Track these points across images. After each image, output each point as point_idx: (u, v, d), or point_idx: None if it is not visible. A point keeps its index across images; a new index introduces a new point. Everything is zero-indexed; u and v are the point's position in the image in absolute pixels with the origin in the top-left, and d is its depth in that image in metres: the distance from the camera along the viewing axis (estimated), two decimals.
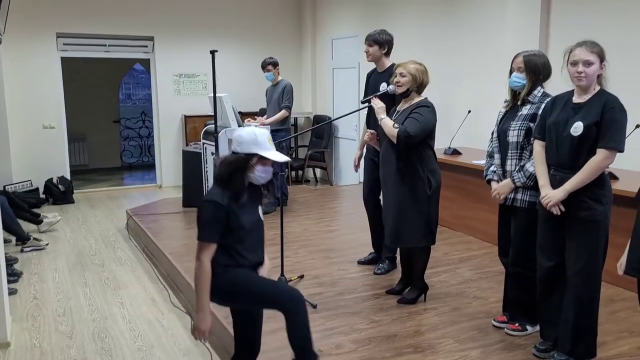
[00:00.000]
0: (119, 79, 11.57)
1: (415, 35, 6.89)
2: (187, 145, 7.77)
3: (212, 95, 5.85)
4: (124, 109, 12.14)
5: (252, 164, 2.35)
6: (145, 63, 9.48)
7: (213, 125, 5.86)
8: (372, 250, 4.49)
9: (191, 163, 6.42)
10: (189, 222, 5.78)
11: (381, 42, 4.15)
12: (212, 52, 5.64)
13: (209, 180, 6.01)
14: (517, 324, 3.23)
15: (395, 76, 3.53)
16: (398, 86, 3.52)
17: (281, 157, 2.38)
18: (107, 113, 10.91)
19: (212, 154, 5.83)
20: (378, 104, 3.56)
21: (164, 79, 8.70)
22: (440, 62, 6.28)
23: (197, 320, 2.34)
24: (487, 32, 5.87)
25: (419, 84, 3.50)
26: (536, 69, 3.02)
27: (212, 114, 6.00)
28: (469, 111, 5.49)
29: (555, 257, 2.85)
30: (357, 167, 4.47)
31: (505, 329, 3.25)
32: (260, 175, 2.37)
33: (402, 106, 3.58)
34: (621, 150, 2.65)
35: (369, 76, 4.39)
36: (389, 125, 3.44)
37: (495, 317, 3.38)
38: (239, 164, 2.33)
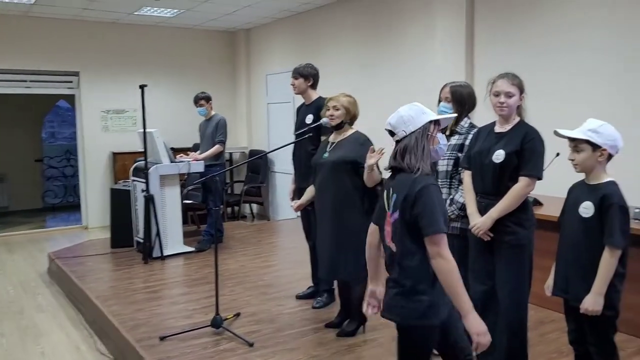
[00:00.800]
0: (42, 116, 11.08)
1: (347, 69, 7.04)
2: (116, 183, 7.49)
3: (142, 130, 5.70)
4: (48, 148, 11.59)
5: (432, 134, 2.05)
6: (70, 99, 9.14)
7: (143, 162, 5.70)
8: (312, 284, 4.41)
9: (120, 201, 6.16)
10: (117, 264, 5.50)
11: (306, 75, 4.22)
12: (142, 87, 5.54)
13: (139, 219, 5.79)
14: None
15: (328, 109, 3.55)
16: (332, 119, 3.54)
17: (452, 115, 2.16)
18: (28, 152, 10.36)
19: (143, 191, 5.63)
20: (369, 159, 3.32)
21: (91, 115, 8.39)
22: (372, 94, 6.42)
23: (472, 325, 1.94)
24: (415, 65, 6.08)
25: (352, 116, 3.56)
26: (462, 99, 3.12)
27: (142, 150, 5.85)
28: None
29: (487, 281, 2.89)
30: (293, 199, 4.44)
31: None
32: (440, 146, 2.08)
33: (335, 138, 3.59)
34: (540, 178, 2.77)
35: (298, 109, 4.43)
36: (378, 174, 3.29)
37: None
38: (424, 140, 2.02)
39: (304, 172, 4.09)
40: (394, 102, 6.30)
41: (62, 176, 11.28)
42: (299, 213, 4.22)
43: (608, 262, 2.28)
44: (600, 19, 4.42)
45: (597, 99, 4.41)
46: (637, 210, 3.52)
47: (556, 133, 2.44)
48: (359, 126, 3.64)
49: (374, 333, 3.65)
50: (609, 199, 2.30)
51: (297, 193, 4.29)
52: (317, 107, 4.14)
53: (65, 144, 11.92)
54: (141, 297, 4.50)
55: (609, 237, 2.27)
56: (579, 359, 2.53)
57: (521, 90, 2.81)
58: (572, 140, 2.39)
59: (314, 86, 4.28)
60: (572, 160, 2.41)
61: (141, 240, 5.69)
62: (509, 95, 2.77)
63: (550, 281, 2.55)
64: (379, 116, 6.20)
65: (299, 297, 4.37)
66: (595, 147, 2.34)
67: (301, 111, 4.36)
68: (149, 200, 5.53)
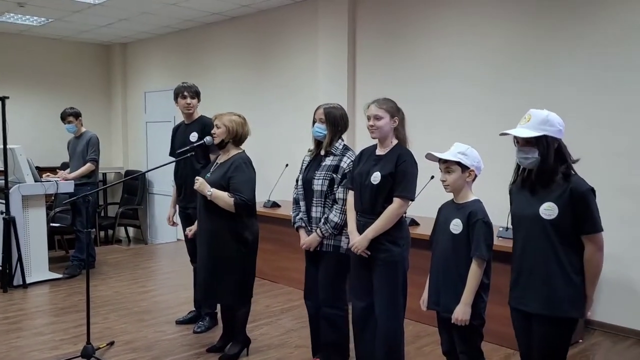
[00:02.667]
0: None
1: (231, 89, 7.01)
2: None
3: (1, 147, 5.21)
4: None
5: None
6: None
7: (2, 181, 5.19)
8: (193, 308, 4.26)
9: None
10: None
11: (199, 94, 4.22)
12: (2, 99, 5.07)
13: None
14: None
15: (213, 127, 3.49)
16: (214, 137, 3.47)
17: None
18: None
19: (2, 213, 5.12)
20: (198, 184, 3.37)
21: None
22: (256, 115, 6.41)
23: (588, 306, 2.29)
24: (300, 87, 6.21)
25: (234, 136, 3.45)
26: (335, 120, 3.23)
27: (1, 169, 5.33)
28: (287, 165, 5.66)
29: (365, 297, 2.99)
30: (171, 223, 4.32)
31: None
32: None
33: (221, 158, 3.52)
34: (412, 199, 2.93)
35: (175, 130, 4.33)
36: (223, 198, 3.30)
37: None
38: None
39: (189, 192, 3.96)
40: (279, 122, 6.43)
41: None
42: (179, 236, 4.08)
43: (475, 273, 2.46)
44: (466, 53, 4.85)
45: (464, 123, 4.80)
46: (501, 229, 3.84)
47: (429, 155, 2.60)
48: (246, 146, 3.60)
49: (257, 355, 3.61)
50: (475, 216, 2.49)
51: (182, 215, 4.15)
52: (202, 124, 4.07)
53: None
54: None
55: (476, 250, 2.46)
56: None
57: (391, 113, 2.93)
58: (444, 162, 2.56)
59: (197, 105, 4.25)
60: (444, 181, 2.58)
61: None
62: (377, 118, 2.91)
63: (425, 295, 2.69)
64: (267, 136, 6.31)
65: (179, 322, 4.20)
66: (464, 168, 2.54)
67: (180, 130, 4.26)
68: (10, 222, 5.03)
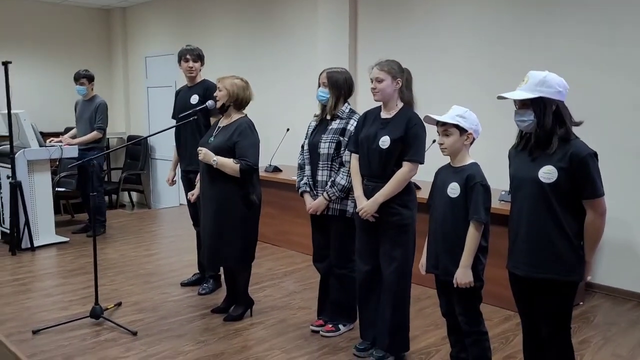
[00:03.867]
0: None
1: (229, 54, 6.97)
2: None
3: (5, 112, 5.22)
4: None
5: None
6: None
7: (8, 146, 5.23)
8: (197, 271, 4.35)
9: None
10: None
11: (202, 57, 4.20)
12: (5, 64, 5.06)
13: (4, 208, 5.31)
14: (331, 325, 3.39)
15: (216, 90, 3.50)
16: (216, 100, 3.49)
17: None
18: None
19: (8, 177, 5.17)
20: (202, 155, 3.38)
21: None
22: (256, 80, 6.34)
23: (588, 271, 2.33)
24: (300, 53, 6.17)
25: (235, 99, 3.45)
26: (337, 84, 3.23)
27: (5, 134, 5.35)
28: (288, 129, 5.68)
29: (371, 260, 3.04)
30: (170, 183, 4.39)
31: (321, 332, 3.39)
32: None
33: (222, 122, 3.54)
34: (422, 162, 2.95)
35: (177, 93, 4.33)
36: (229, 165, 3.32)
37: (313, 322, 3.50)
38: None
39: (189, 154, 4.01)
40: (280, 87, 6.41)
41: None
42: (181, 201, 4.13)
43: (474, 236, 2.48)
44: (468, 26, 4.81)
45: (462, 94, 4.79)
46: (503, 193, 3.88)
47: (427, 118, 2.61)
48: (247, 110, 3.60)
49: (261, 316, 3.70)
50: (473, 179, 2.50)
51: (184, 179, 4.19)
52: (204, 88, 4.07)
53: None
54: (8, 290, 4.15)
55: (474, 213, 2.48)
56: (450, 329, 2.75)
57: (393, 75, 2.91)
58: (442, 125, 2.56)
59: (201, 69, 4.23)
60: (441, 144, 2.57)
61: (7, 231, 5.23)
62: (378, 80, 2.91)
63: (423, 259, 2.73)
64: (267, 101, 6.30)
65: (183, 285, 4.29)
66: (462, 131, 2.54)
67: (182, 93, 4.25)
68: (16, 187, 5.09)
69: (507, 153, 2.47)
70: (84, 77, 5.69)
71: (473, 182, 2.49)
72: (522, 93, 2.25)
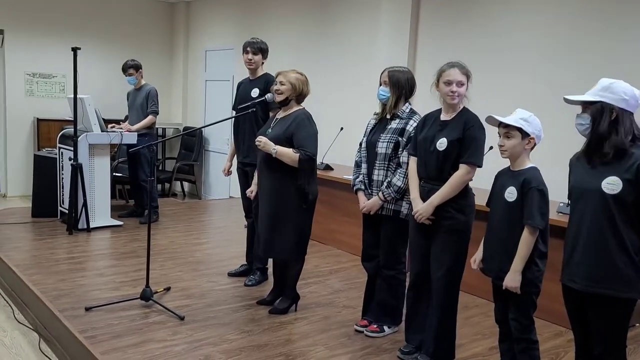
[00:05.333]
0: None
1: (288, 51, 7.00)
2: (39, 150, 7.09)
3: (71, 96, 5.43)
4: None
5: None
6: None
7: (72, 129, 5.43)
8: (245, 262, 4.40)
9: (44, 170, 5.85)
10: (39, 234, 5.24)
11: (264, 51, 4.20)
12: (74, 50, 5.28)
13: (65, 188, 5.53)
14: (376, 326, 3.36)
15: (276, 84, 3.52)
16: (278, 94, 3.51)
17: None
18: None
19: (70, 159, 5.37)
20: (262, 144, 3.38)
21: (14, 77, 7.88)
22: (313, 77, 6.36)
23: None
24: (358, 52, 6.14)
25: (298, 94, 3.49)
26: (399, 83, 3.18)
27: (70, 118, 5.56)
28: (342, 128, 5.67)
29: (423, 264, 2.99)
30: (227, 174, 4.43)
31: (365, 332, 3.36)
32: None
33: (280, 114, 3.57)
34: (480, 166, 2.87)
35: (239, 85, 4.37)
36: (288, 154, 3.35)
37: (357, 322, 3.47)
38: None
39: (246, 146, 4.05)
40: (339, 82, 6.39)
41: None
42: (232, 193, 4.18)
43: (527, 241, 2.43)
44: (528, 24, 4.66)
45: (522, 94, 4.65)
46: (561, 204, 3.74)
47: (490, 118, 2.54)
48: (305, 104, 3.61)
49: (306, 312, 3.70)
50: (529, 183, 2.45)
51: (240, 171, 4.23)
52: (265, 81, 4.10)
53: None
54: (65, 267, 4.32)
55: (528, 218, 2.42)
56: (502, 336, 2.68)
57: (469, 79, 2.88)
58: (505, 126, 2.50)
59: (263, 63, 4.25)
60: (502, 146, 2.52)
61: (66, 211, 5.44)
62: (460, 84, 2.84)
63: (477, 255, 2.67)
64: (324, 96, 6.31)
65: (231, 275, 4.35)
66: (524, 135, 2.48)
67: (243, 86, 4.29)
68: (77, 169, 5.28)
69: (569, 162, 2.40)
70: (131, 67, 5.83)
71: (529, 186, 2.44)
72: (584, 96, 2.24)
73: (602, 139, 2.18)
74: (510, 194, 2.49)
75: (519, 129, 2.46)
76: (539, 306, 2.59)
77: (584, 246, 2.24)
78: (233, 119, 4.16)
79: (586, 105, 2.23)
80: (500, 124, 2.52)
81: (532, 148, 2.52)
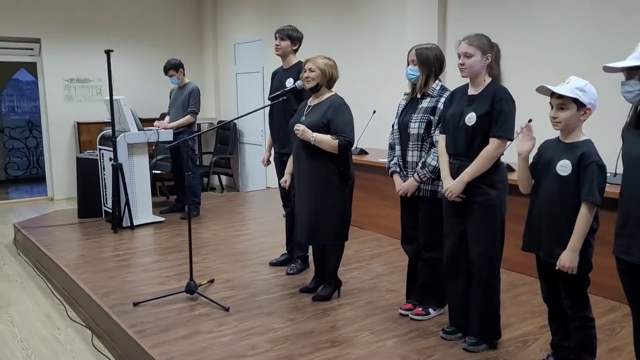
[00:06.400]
0: (0, 86, 10.64)
1: (317, 36, 6.94)
2: (81, 153, 7.27)
3: (108, 98, 5.54)
4: (9, 120, 11.17)
5: None
6: (32, 67, 8.79)
7: (110, 130, 5.55)
8: (285, 251, 4.42)
9: (87, 171, 6.01)
10: (85, 234, 5.39)
11: (293, 38, 4.12)
12: (108, 52, 5.37)
13: (107, 188, 5.66)
14: (420, 309, 3.32)
15: (305, 71, 3.49)
16: (307, 81, 3.48)
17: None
18: None
19: (110, 160, 5.50)
20: (300, 132, 3.38)
21: (54, 84, 8.10)
22: (342, 62, 6.31)
23: None
24: (387, 33, 6.04)
25: (329, 79, 3.47)
26: (427, 61, 3.11)
27: (108, 120, 5.68)
28: (374, 111, 5.60)
29: (457, 243, 2.93)
30: (266, 164, 4.45)
31: (410, 315, 3.33)
32: None
33: (312, 101, 3.55)
34: (511, 139, 2.76)
35: (274, 74, 4.33)
36: (327, 141, 3.34)
37: (402, 306, 3.44)
38: None
39: (282, 136, 4.05)
40: (368, 67, 6.31)
41: (24, 147, 10.91)
42: (269, 184, 4.18)
43: (586, 218, 2.31)
44: None
45: (561, 61, 4.48)
46: (609, 174, 3.59)
47: (542, 88, 2.40)
48: (335, 90, 3.58)
49: (349, 297, 3.69)
50: (588, 157, 2.32)
51: (278, 161, 4.23)
52: (298, 70, 4.06)
53: (26, 118, 11.51)
54: (112, 265, 4.43)
55: (589, 194, 2.30)
56: (552, 315, 2.60)
57: (483, 50, 2.77)
58: (559, 97, 2.36)
59: (296, 50, 4.18)
60: (555, 117, 2.38)
61: (110, 210, 5.57)
62: (467, 55, 2.77)
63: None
64: (354, 81, 6.25)
65: (272, 264, 4.37)
66: (579, 106, 2.35)
67: (278, 75, 4.24)
68: (118, 169, 5.40)
69: (620, 132, 2.27)
70: (171, 68, 5.89)
71: (588, 160, 2.31)
72: (629, 61, 2.06)
73: None
74: (564, 167, 2.36)
75: (575, 100, 2.34)
76: (592, 281, 2.50)
77: (637, 216, 2.11)
78: (268, 110, 4.15)
79: (632, 70, 2.08)
80: (553, 94, 2.38)
81: (586, 119, 2.39)
